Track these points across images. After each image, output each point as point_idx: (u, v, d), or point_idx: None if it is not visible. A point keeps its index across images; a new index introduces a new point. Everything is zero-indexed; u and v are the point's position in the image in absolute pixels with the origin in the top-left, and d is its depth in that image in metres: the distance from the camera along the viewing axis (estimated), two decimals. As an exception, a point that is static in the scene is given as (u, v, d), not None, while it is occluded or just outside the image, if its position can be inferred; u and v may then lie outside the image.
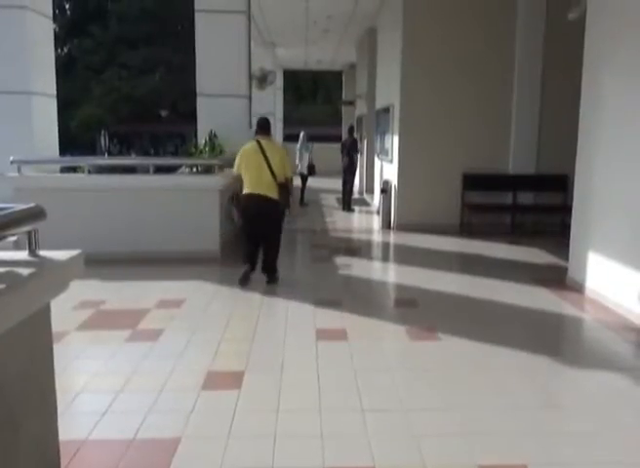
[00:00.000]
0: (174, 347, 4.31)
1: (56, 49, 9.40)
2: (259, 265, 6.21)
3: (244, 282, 6.02)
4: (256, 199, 5.83)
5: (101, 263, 6.38)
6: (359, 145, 13.57)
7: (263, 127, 6.06)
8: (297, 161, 13.21)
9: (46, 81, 7.90)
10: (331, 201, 13.84)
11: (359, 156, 14.01)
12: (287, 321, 4.98)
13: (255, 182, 5.83)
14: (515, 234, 9.21)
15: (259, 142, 5.93)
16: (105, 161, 9.16)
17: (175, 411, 3.31)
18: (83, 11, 36.88)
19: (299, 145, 13.67)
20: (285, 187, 5.90)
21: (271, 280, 6.19)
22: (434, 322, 4.94)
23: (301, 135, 13.64)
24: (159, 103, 35.29)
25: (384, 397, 3.54)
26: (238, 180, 6.08)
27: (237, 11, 8.58)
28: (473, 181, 9.42)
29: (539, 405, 3.49)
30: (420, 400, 3.50)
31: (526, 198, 9.50)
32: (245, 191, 5.92)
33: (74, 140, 30.16)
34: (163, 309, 5.24)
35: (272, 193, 5.83)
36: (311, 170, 13.35)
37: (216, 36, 8.52)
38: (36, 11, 7.58)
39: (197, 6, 8.56)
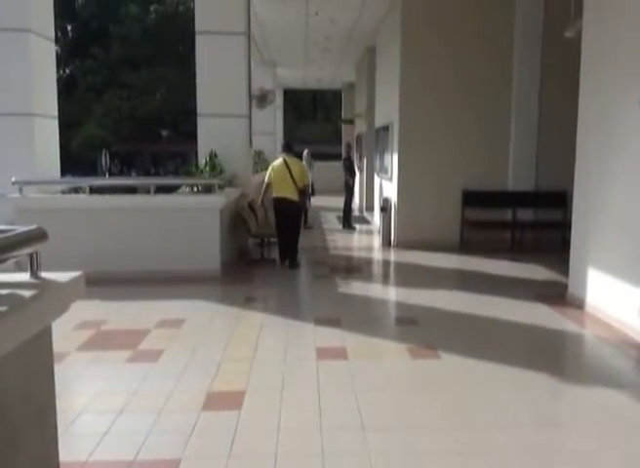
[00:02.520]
0: (174, 367, 4.31)
1: (58, 70, 9.57)
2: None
3: (283, 259, 8.13)
4: (281, 200, 7.99)
5: (103, 283, 6.41)
6: (356, 163, 13.60)
7: (287, 147, 8.42)
8: None
9: (48, 102, 7.99)
10: (331, 219, 13.89)
11: (358, 174, 14.07)
12: (287, 340, 4.98)
13: (280, 188, 7.99)
14: (515, 250, 9.24)
15: (284, 159, 8.12)
16: (106, 181, 9.24)
17: (175, 432, 3.31)
18: (85, 32, 37.42)
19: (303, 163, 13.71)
20: (302, 191, 8.08)
21: (292, 265, 8.05)
22: (435, 340, 4.94)
23: (305, 153, 13.68)
24: (160, 123, 35.58)
25: (385, 416, 3.54)
26: (268, 187, 8.15)
27: (237, 32, 8.70)
28: (473, 198, 9.46)
29: (539, 423, 3.48)
30: (420, 418, 3.50)
31: (526, 214, 9.53)
32: (274, 195, 8.06)
33: (76, 160, 30.37)
34: (164, 329, 5.25)
35: (293, 196, 7.95)
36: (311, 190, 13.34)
37: (216, 57, 8.62)
38: (39, 34, 7.69)
39: (198, 27, 8.68)
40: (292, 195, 7.95)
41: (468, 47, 9.31)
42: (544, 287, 6.97)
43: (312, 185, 13.01)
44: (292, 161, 8.14)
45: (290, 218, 8.00)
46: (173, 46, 35.19)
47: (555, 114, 9.15)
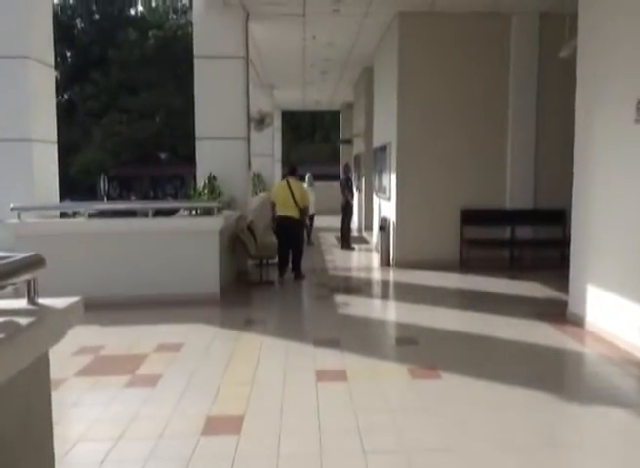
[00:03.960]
0: (173, 392, 4.29)
1: (57, 95, 9.63)
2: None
3: (282, 273, 8.75)
4: (284, 218, 8.65)
5: (101, 307, 6.42)
6: (355, 183, 13.68)
7: (292, 171, 9.03)
8: None
9: (47, 128, 8.05)
10: (330, 239, 13.92)
11: (356, 194, 14.14)
12: (287, 362, 4.96)
13: (283, 208, 8.67)
14: (514, 268, 9.24)
15: (287, 181, 8.82)
16: (105, 205, 9.27)
17: (174, 458, 3.28)
18: (84, 58, 37.88)
19: (305, 186, 13.95)
20: (302, 210, 8.70)
21: (297, 277, 8.72)
22: (435, 360, 4.93)
23: (308, 176, 14.08)
24: (159, 146, 35.88)
25: (386, 438, 3.51)
26: (274, 206, 8.85)
27: (235, 56, 8.83)
28: (472, 217, 9.48)
29: (541, 444, 3.45)
30: (422, 440, 3.47)
31: (524, 232, 9.55)
32: (278, 213, 8.76)
33: (75, 185, 30.56)
34: (162, 353, 5.24)
35: (295, 214, 8.61)
36: (311, 219, 13.65)
37: (214, 80, 8.74)
38: (38, 60, 7.78)
39: (196, 51, 8.81)
40: (293, 214, 8.62)
41: (465, 67, 9.41)
42: (544, 305, 6.96)
43: (313, 215, 13.39)
44: (294, 184, 8.77)
45: (292, 235, 8.72)
46: (171, 70, 35.61)
47: (552, 131, 9.24)
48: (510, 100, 9.47)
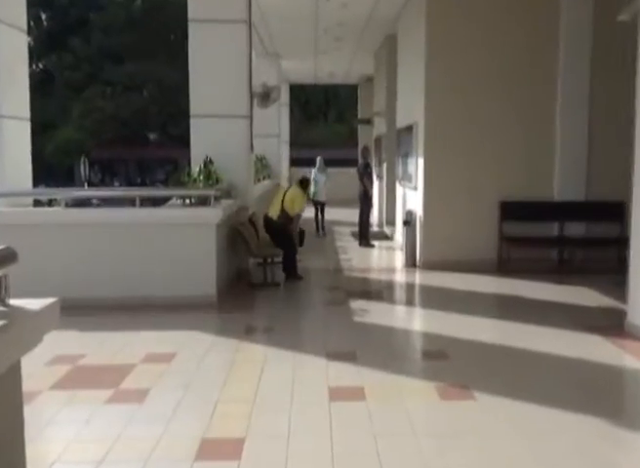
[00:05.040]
0: (163, 410, 4.29)
1: (30, 65, 9.67)
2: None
3: (288, 275, 9.04)
4: (265, 217, 9.18)
5: (81, 311, 6.40)
6: (374, 169, 13.70)
7: (302, 182, 9.44)
8: (312, 188, 13.80)
9: (18, 102, 8.09)
10: (346, 235, 13.91)
11: (376, 182, 14.13)
12: (294, 377, 4.95)
13: (270, 206, 9.34)
14: (563, 272, 9.18)
15: (289, 185, 9.93)
16: (85, 192, 9.27)
17: (163, 486, 3.30)
18: (62, 22, 38.00)
19: (314, 171, 14.28)
20: (285, 213, 8.94)
21: (287, 277, 8.94)
22: (468, 377, 4.90)
23: (318, 160, 14.53)
24: (147, 125, 36.00)
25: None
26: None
27: (236, 20, 8.81)
28: (512, 210, 9.43)
29: (594, 476, 3.43)
30: (452, 471, 3.47)
31: (575, 229, 9.48)
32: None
33: (50, 168, 30.78)
34: (151, 364, 5.27)
35: (273, 214, 9.02)
36: (321, 208, 14.29)
37: (212, 49, 8.73)
38: (9, 24, 7.82)
39: (191, 15, 8.79)
40: (273, 214, 9.06)
41: (506, 35, 9.34)
42: (598, 314, 6.92)
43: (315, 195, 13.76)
44: (294, 188, 9.34)
45: (274, 235, 9.07)
46: (162, 36, 35.67)
47: (609, 111, 9.13)
48: (560, 73, 9.39)
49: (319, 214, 14.31)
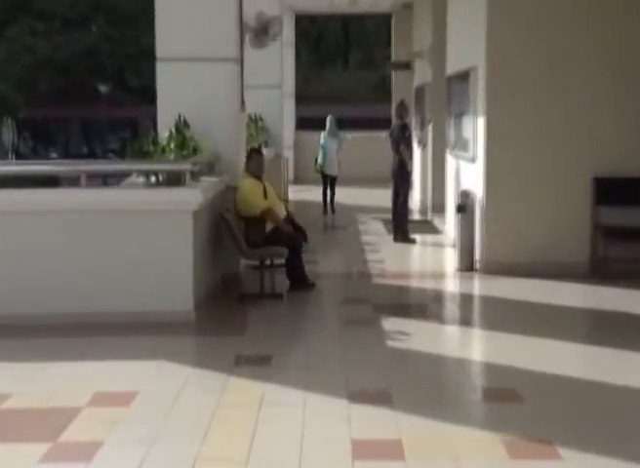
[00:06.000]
0: (117, 473, 4.21)
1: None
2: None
3: (293, 283, 9.14)
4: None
5: (8, 332, 6.52)
6: (414, 134, 13.68)
7: (248, 161, 9.19)
8: (319, 158, 13.88)
9: None
10: (375, 225, 13.93)
11: (417, 151, 14.11)
12: (304, 427, 4.87)
13: None
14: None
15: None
16: (9, 167, 9.31)
17: None
18: None
19: (323, 135, 14.81)
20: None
21: (291, 286, 8.99)
22: (550, 428, 4.84)
23: (329, 120, 15.03)
24: (96, 73, 36.03)
25: None
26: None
27: None
28: (611, 191, 9.37)
29: None
30: None
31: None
32: None
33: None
34: (102, 408, 5.29)
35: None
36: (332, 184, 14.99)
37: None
38: None
39: None
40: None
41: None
42: None
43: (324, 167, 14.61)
44: (241, 182, 8.96)
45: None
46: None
47: None
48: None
49: (328, 189, 14.44)
